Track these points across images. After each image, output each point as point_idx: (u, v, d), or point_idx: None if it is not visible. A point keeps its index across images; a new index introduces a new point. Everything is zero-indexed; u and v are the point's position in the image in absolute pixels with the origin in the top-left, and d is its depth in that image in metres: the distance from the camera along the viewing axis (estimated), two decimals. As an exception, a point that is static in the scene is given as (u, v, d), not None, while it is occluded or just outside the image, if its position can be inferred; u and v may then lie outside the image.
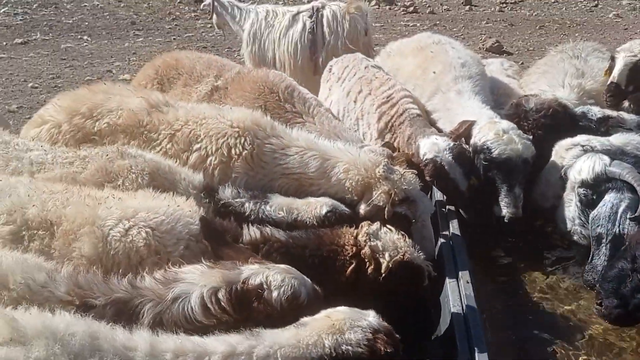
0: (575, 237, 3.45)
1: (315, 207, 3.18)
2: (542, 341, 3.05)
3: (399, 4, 15.46)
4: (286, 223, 3.12)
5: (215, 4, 7.54)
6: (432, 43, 4.82)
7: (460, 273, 3.03)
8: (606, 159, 3.22)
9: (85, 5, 15.00)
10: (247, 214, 3.16)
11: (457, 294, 2.89)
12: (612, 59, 4.37)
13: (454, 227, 3.54)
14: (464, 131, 3.80)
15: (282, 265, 2.33)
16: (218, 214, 3.04)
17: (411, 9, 14.77)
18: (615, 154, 3.28)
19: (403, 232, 2.79)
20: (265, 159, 3.45)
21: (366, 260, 2.68)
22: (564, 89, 4.43)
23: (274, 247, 2.81)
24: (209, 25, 12.97)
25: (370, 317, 2.10)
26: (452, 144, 3.72)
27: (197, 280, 2.22)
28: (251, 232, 2.85)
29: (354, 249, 2.75)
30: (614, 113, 4.00)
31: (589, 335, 3.06)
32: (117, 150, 3.13)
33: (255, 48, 7.19)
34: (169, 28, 13.05)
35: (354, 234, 2.82)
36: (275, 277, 2.22)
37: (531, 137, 3.75)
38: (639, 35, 11.63)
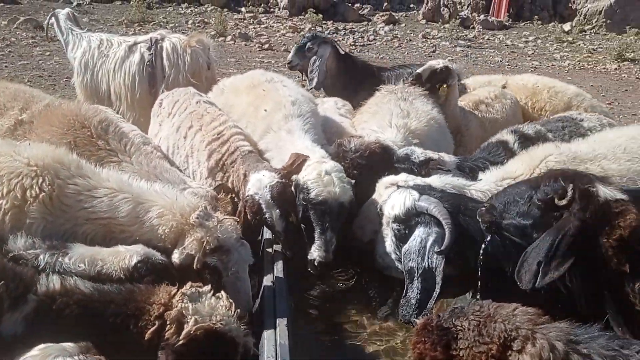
0: (393, 272, 3.46)
1: (124, 257, 2.87)
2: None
3: (255, 40, 15.61)
4: (89, 277, 2.77)
5: (54, 25, 6.97)
6: (265, 81, 4.75)
7: (278, 320, 2.89)
8: (415, 194, 3.27)
9: None
10: (41, 267, 2.78)
11: (272, 343, 2.73)
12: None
13: (278, 269, 3.41)
14: (297, 167, 3.74)
15: (36, 350, 2.00)
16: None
17: (266, 45, 14.96)
18: (424, 189, 3.35)
19: (231, 301, 2.55)
20: (68, 202, 3.08)
21: (168, 322, 2.42)
22: (391, 129, 4.58)
23: (74, 299, 2.53)
24: (47, 53, 12.06)
25: None
26: (274, 181, 3.62)
27: None
28: (50, 282, 2.54)
29: (162, 309, 2.48)
30: (435, 155, 4.16)
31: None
32: None
33: (87, 78, 6.70)
34: (1, 55, 11.88)
35: (172, 293, 2.56)
36: None
37: (353, 181, 3.75)
38: (470, 80, 12.74)
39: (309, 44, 6.57)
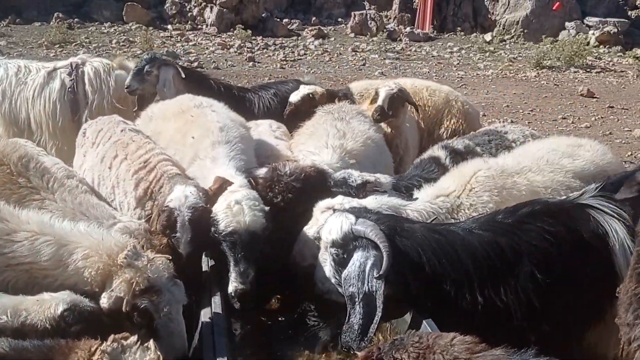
0: (333, 297, 3.40)
1: (50, 305, 2.70)
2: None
3: (183, 58, 15.33)
4: (12, 329, 2.60)
5: None
6: (193, 106, 4.63)
7: (217, 359, 2.78)
8: (352, 217, 3.24)
9: None
10: (-43, 322, 2.58)
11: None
12: (376, 92, 5.70)
13: (216, 303, 3.30)
14: (222, 192, 3.65)
15: None
16: None
17: (195, 64, 14.73)
18: (361, 212, 3.33)
19: (159, 353, 2.38)
20: (-16, 249, 2.88)
21: None
22: (327, 150, 4.56)
23: (-16, 361, 2.30)
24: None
25: None
26: (200, 205, 3.53)
27: None
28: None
29: None
30: (371, 177, 4.16)
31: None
32: None
33: (5, 107, 6.37)
34: None
35: (92, 349, 2.34)
36: None
37: (267, 207, 3.69)
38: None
39: (147, 67, 6.07)
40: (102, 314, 2.80)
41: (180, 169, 4.13)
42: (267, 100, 6.18)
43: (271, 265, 3.67)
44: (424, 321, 3.06)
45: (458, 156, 4.59)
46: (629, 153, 9.20)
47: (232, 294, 3.47)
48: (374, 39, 19.05)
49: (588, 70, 16.33)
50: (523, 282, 3.14)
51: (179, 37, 18.25)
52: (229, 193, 3.64)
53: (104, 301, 2.83)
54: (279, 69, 15.05)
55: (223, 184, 3.71)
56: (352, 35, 20.24)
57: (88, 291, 2.87)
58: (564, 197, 3.87)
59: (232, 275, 3.48)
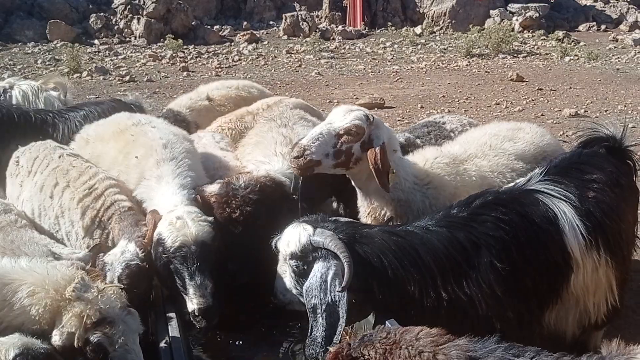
0: (296, 307, 3.33)
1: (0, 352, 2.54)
2: None
3: (114, 73, 14.87)
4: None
5: None
6: (132, 125, 4.42)
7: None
8: (309, 228, 3.16)
9: None
10: None
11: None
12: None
13: (172, 328, 3.17)
14: (155, 226, 3.51)
15: None
16: None
17: (127, 77, 14.29)
18: (317, 221, 3.25)
19: None
20: None
21: None
22: (277, 158, 4.49)
23: None
24: None
25: None
26: (134, 262, 3.36)
27: None
28: None
29: None
30: None
31: None
32: None
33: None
34: None
35: None
36: None
37: (211, 218, 3.59)
38: (339, 90, 13.10)
39: None
40: (56, 354, 2.64)
41: (127, 193, 3.96)
42: (74, 124, 5.46)
43: (236, 282, 3.57)
44: (387, 321, 3.04)
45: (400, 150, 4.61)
46: (561, 132, 9.57)
47: (195, 312, 3.32)
48: (308, 39, 19.08)
49: (515, 55, 16.95)
50: (484, 273, 3.17)
51: (107, 52, 17.68)
52: (167, 214, 3.51)
53: (56, 339, 2.66)
54: (215, 77, 14.82)
55: (155, 217, 3.56)
56: (285, 37, 20.21)
57: (37, 330, 2.69)
58: (510, 179, 3.99)
59: (190, 291, 3.33)
